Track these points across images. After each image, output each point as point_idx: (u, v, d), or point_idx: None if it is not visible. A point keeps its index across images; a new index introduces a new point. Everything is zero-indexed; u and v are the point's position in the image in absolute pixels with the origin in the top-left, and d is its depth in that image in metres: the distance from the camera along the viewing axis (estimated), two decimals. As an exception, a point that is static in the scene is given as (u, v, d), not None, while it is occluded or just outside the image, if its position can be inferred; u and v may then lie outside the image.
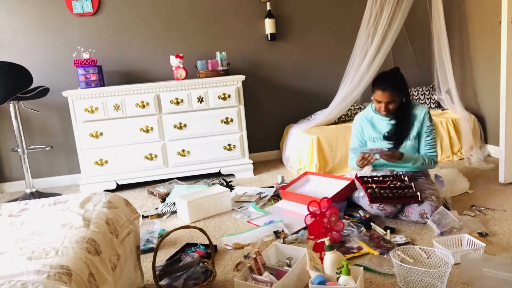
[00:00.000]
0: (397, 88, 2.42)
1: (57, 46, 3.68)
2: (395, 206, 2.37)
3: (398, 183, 2.43)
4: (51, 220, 1.50)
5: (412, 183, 2.39)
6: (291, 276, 1.70)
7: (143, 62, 3.84)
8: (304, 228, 2.32)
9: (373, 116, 2.61)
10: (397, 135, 2.50)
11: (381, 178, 2.51)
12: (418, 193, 2.33)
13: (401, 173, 2.55)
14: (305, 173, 3.10)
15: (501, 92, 2.85)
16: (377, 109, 2.52)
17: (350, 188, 2.65)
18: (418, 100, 4.12)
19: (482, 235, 2.11)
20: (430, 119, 2.52)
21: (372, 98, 2.54)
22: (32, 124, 3.76)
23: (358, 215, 2.48)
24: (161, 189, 3.30)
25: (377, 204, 2.39)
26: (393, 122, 2.53)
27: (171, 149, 3.51)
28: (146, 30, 3.80)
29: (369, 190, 2.40)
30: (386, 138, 2.54)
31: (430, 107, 4.13)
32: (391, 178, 2.49)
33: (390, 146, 2.51)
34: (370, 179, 2.51)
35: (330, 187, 2.78)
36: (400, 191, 2.37)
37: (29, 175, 3.51)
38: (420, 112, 2.52)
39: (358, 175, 2.58)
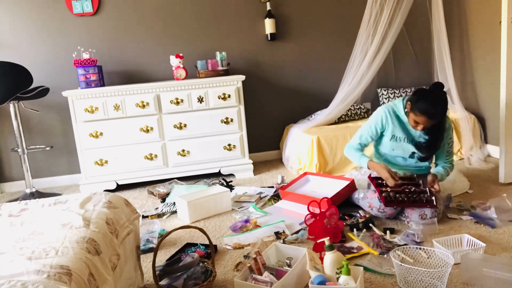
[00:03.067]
0: (445, 115, 2.28)
1: (57, 46, 3.68)
2: (395, 208, 2.36)
3: (413, 188, 2.39)
4: (51, 220, 1.50)
5: (427, 188, 2.36)
6: (291, 276, 1.70)
7: (143, 62, 3.84)
8: (305, 228, 2.32)
9: (402, 116, 2.44)
10: (429, 149, 2.40)
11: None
12: (433, 198, 2.30)
13: (415, 175, 2.50)
14: (305, 173, 3.10)
15: (501, 92, 2.85)
16: (412, 126, 2.34)
17: (350, 188, 2.64)
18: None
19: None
20: (450, 129, 2.46)
21: (407, 108, 2.35)
22: (32, 124, 3.76)
23: (357, 214, 2.48)
24: (161, 189, 3.30)
25: (377, 206, 2.38)
26: (427, 135, 2.38)
27: (171, 149, 3.51)
28: (146, 30, 3.80)
29: (383, 194, 2.36)
30: (417, 147, 2.42)
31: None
32: (405, 182, 2.45)
33: (422, 156, 2.44)
34: (384, 182, 2.43)
35: (329, 187, 2.79)
36: (415, 196, 2.35)
37: (29, 175, 3.51)
38: (449, 126, 2.43)
39: (372, 176, 2.54)
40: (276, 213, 2.66)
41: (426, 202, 2.31)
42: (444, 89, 2.32)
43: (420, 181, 2.44)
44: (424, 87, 2.43)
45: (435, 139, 2.36)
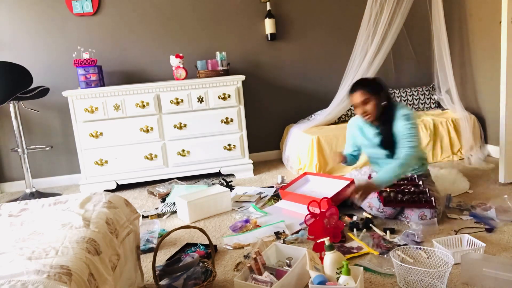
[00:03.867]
0: (367, 86, 2.38)
1: (57, 46, 3.68)
2: (395, 208, 2.36)
3: (412, 188, 2.40)
4: (51, 220, 1.50)
5: (427, 188, 2.36)
6: (291, 276, 1.70)
7: (143, 62, 3.84)
8: (305, 228, 2.32)
9: (361, 124, 2.60)
10: (389, 143, 2.42)
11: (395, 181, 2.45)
12: (433, 199, 2.31)
13: (415, 176, 2.50)
14: (305, 173, 3.10)
15: (501, 92, 2.85)
16: (361, 116, 2.46)
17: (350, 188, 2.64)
18: (418, 100, 4.12)
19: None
20: (407, 119, 2.34)
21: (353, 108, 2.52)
22: (32, 124, 3.76)
23: (356, 216, 2.48)
24: (161, 189, 3.30)
25: (377, 206, 2.38)
26: (378, 131, 2.46)
27: (171, 149, 3.51)
28: (146, 30, 3.80)
29: (383, 194, 2.37)
30: (382, 147, 2.46)
31: (430, 107, 4.13)
32: (405, 182, 2.46)
33: (390, 153, 2.44)
34: None
35: (329, 187, 2.79)
36: (414, 196, 2.35)
37: (29, 175, 3.51)
38: (397, 115, 2.39)
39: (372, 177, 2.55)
40: (276, 213, 2.66)
41: (425, 203, 2.31)
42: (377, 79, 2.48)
43: (420, 182, 2.44)
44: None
45: (386, 130, 2.43)
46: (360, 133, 2.60)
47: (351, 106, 3.90)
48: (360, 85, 2.42)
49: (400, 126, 2.36)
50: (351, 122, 2.71)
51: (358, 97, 2.39)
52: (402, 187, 2.41)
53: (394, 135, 2.40)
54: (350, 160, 2.70)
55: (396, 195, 2.36)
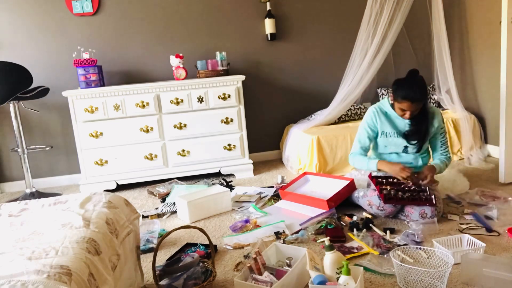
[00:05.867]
0: (425, 97, 2.38)
1: (57, 46, 3.68)
2: (395, 206, 2.36)
3: (413, 186, 2.40)
4: (51, 220, 1.50)
5: (427, 187, 2.37)
6: (291, 276, 1.70)
7: (143, 62, 3.84)
8: (305, 228, 2.33)
9: (389, 111, 2.53)
10: (417, 135, 2.45)
11: (395, 180, 2.46)
12: (433, 197, 2.31)
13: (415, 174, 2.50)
14: (304, 173, 3.10)
15: (501, 92, 2.85)
16: (400, 115, 2.44)
17: (349, 188, 2.64)
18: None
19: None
20: (443, 121, 2.52)
21: (391, 100, 2.49)
22: (32, 124, 3.76)
23: (356, 216, 2.48)
24: (161, 189, 3.30)
25: (377, 204, 2.39)
26: (412, 122, 2.46)
27: (171, 149, 3.51)
28: (146, 30, 3.80)
29: (384, 191, 2.38)
30: (405, 137, 2.48)
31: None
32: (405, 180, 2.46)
33: (412, 145, 2.47)
34: (384, 180, 2.48)
35: (329, 187, 2.79)
36: (415, 194, 2.36)
37: (29, 175, 3.51)
38: (436, 112, 2.50)
39: (373, 175, 2.55)
40: (276, 213, 2.66)
41: (425, 201, 2.32)
42: (420, 74, 2.41)
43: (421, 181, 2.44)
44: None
45: (419, 123, 2.44)
46: (385, 119, 2.52)
47: (353, 104, 3.91)
48: (421, 97, 2.33)
49: (436, 127, 2.48)
50: (372, 110, 2.56)
51: (415, 107, 2.35)
52: (402, 186, 2.41)
53: (426, 132, 2.46)
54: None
55: (396, 192, 2.37)
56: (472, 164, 3.43)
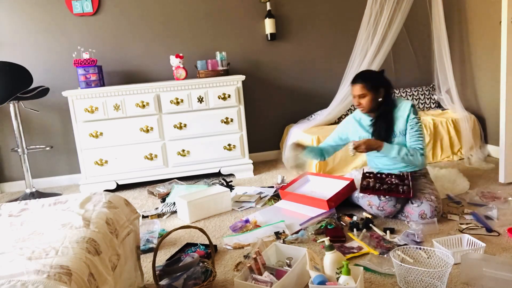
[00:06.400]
0: (367, 80, 2.45)
1: (57, 46, 3.68)
2: (395, 206, 2.37)
3: (396, 181, 2.43)
4: (51, 220, 1.50)
5: (410, 183, 2.38)
6: (291, 276, 1.70)
7: (143, 62, 3.84)
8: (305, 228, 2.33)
9: (361, 116, 2.65)
10: (381, 132, 2.50)
11: (383, 175, 2.50)
12: (411, 190, 2.33)
13: (403, 173, 2.51)
14: (305, 173, 3.10)
15: (501, 92, 2.85)
16: (356, 105, 2.54)
17: (350, 188, 2.64)
18: (418, 100, 4.12)
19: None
20: (415, 112, 2.46)
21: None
22: (32, 124, 3.76)
23: (356, 216, 2.48)
24: (161, 189, 3.30)
25: (376, 204, 2.39)
26: (372, 120, 2.56)
27: (171, 149, 3.51)
28: (146, 30, 3.80)
29: (364, 182, 2.45)
30: (373, 136, 2.54)
31: (430, 107, 4.13)
32: (393, 176, 2.48)
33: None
34: (371, 174, 2.53)
35: (329, 187, 2.78)
36: (393, 186, 2.39)
37: (29, 175, 3.51)
38: (404, 106, 2.49)
39: (365, 171, 2.58)
40: (276, 213, 2.66)
41: (402, 193, 2.34)
42: (383, 72, 2.54)
43: (409, 177, 2.43)
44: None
45: (378, 119, 2.51)
46: (357, 124, 2.65)
47: (353, 104, 3.91)
48: (360, 78, 2.48)
49: (405, 120, 2.46)
50: (347, 118, 2.77)
51: (356, 90, 2.47)
52: (387, 179, 2.46)
53: (388, 128, 2.48)
54: (314, 151, 2.75)
55: (374, 184, 2.43)
56: (472, 164, 3.43)
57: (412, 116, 2.45)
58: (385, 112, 2.50)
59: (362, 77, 2.48)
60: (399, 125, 2.47)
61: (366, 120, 2.61)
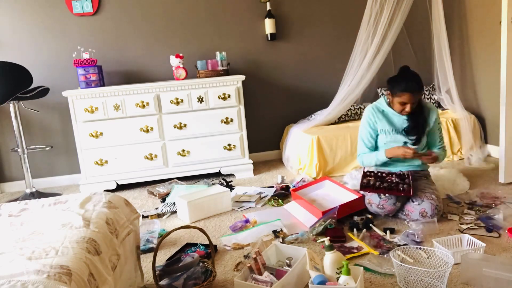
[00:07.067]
0: (423, 88, 2.45)
1: (57, 46, 3.68)
2: (395, 204, 2.37)
3: (397, 179, 2.43)
4: (51, 220, 1.50)
5: (411, 182, 2.39)
6: (291, 276, 1.70)
7: (143, 62, 3.84)
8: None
9: (386, 109, 2.57)
10: (415, 130, 2.49)
11: (384, 174, 2.50)
12: (411, 188, 2.33)
13: (404, 172, 2.51)
14: (325, 178, 2.97)
15: (501, 92, 2.85)
16: (398, 111, 2.48)
17: (359, 202, 2.53)
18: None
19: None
20: (438, 115, 2.57)
21: (388, 98, 2.53)
22: (32, 124, 3.76)
23: (356, 216, 2.47)
24: (161, 189, 3.30)
25: (376, 202, 2.39)
26: (409, 117, 2.50)
27: (171, 149, 3.51)
28: (146, 30, 3.80)
29: (364, 181, 2.44)
30: (405, 132, 2.51)
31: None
32: (394, 175, 2.48)
33: (411, 140, 2.49)
34: (372, 173, 2.53)
35: (341, 197, 2.64)
36: (393, 185, 2.39)
37: (29, 175, 3.51)
38: (431, 108, 2.55)
39: (365, 170, 2.57)
40: (276, 214, 2.64)
41: (402, 191, 2.34)
42: (415, 72, 2.47)
43: (410, 176, 2.44)
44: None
45: (417, 118, 2.49)
46: (382, 117, 2.56)
47: (353, 104, 3.91)
48: (419, 87, 2.39)
49: (434, 122, 2.52)
50: (369, 109, 2.60)
51: (414, 99, 2.39)
52: (387, 178, 2.46)
53: (423, 126, 2.50)
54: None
55: (375, 182, 2.43)
56: (472, 164, 3.43)
57: (439, 119, 2.56)
58: (421, 110, 2.51)
59: (420, 86, 2.39)
60: (428, 125, 2.53)
61: (392, 114, 2.53)
